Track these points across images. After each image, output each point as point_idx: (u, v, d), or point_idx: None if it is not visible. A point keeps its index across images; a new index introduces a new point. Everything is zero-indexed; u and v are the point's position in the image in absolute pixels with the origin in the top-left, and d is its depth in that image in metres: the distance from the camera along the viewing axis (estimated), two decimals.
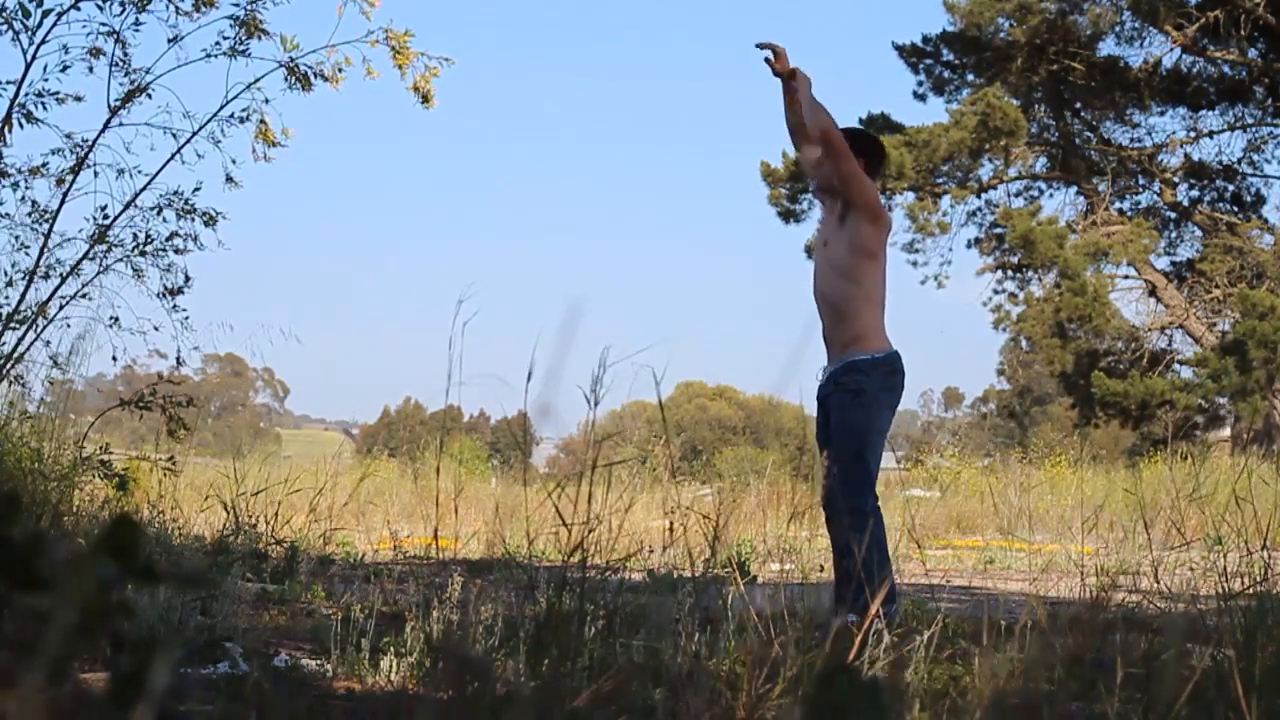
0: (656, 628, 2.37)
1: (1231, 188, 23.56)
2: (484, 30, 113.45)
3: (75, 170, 5.74)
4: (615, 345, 2.24)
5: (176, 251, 5.92)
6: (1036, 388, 43.30)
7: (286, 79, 5.78)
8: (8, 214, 5.78)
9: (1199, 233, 23.43)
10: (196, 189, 5.88)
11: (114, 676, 0.99)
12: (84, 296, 5.81)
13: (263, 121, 5.79)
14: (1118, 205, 23.74)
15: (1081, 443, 15.39)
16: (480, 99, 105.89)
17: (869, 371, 4.14)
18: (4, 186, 5.73)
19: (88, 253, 5.75)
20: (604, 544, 2.40)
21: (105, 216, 5.76)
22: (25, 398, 5.77)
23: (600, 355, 2.23)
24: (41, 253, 5.71)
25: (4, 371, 5.55)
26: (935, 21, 37.56)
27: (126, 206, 5.80)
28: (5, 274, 5.69)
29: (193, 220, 5.91)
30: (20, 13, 5.41)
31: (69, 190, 5.74)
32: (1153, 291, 22.87)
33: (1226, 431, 23.28)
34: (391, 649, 2.81)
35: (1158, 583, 4.07)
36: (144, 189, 5.81)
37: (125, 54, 5.68)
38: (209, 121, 5.76)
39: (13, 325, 5.56)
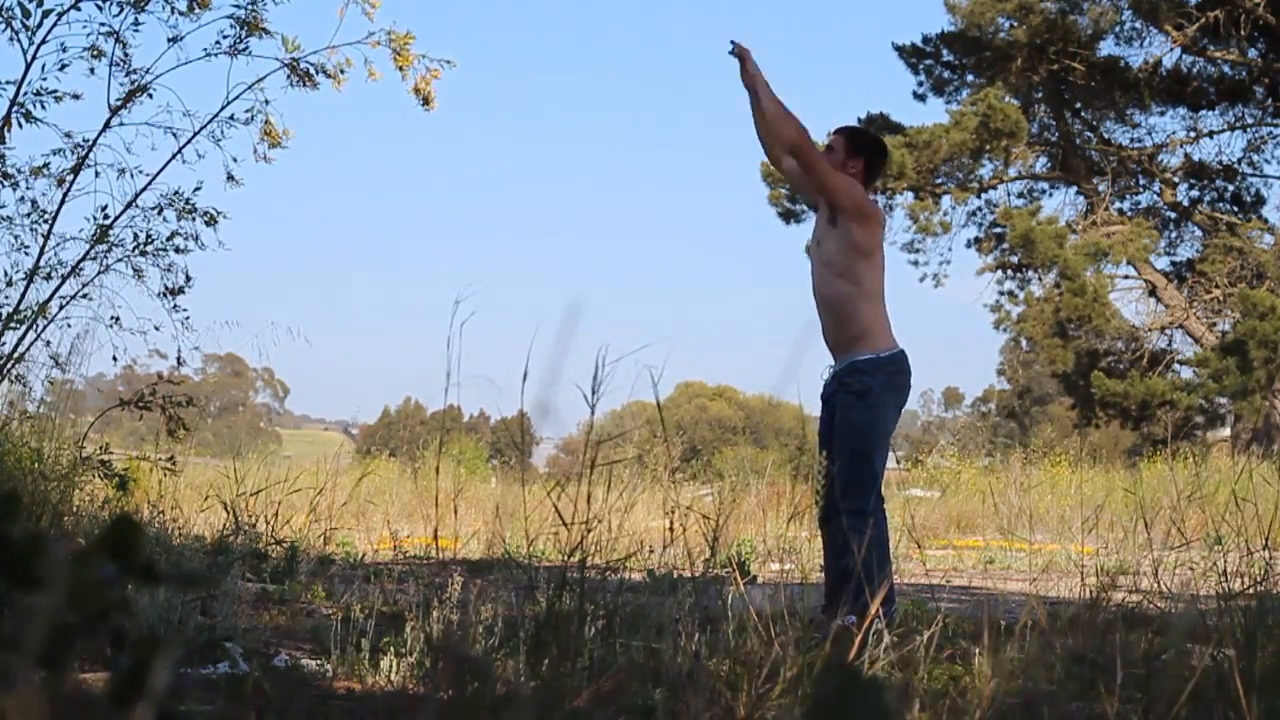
0: (656, 628, 2.37)
1: (1231, 188, 23.57)
2: (484, 31, 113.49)
3: (76, 170, 5.73)
4: (615, 345, 2.24)
5: (177, 251, 5.91)
6: (1037, 388, 43.31)
7: (289, 78, 5.77)
8: (8, 216, 5.78)
9: (1199, 233, 23.43)
10: (197, 189, 5.88)
11: (114, 676, 0.99)
12: (84, 296, 5.80)
13: (267, 121, 5.79)
14: (1118, 205, 23.75)
15: (1082, 442, 15.39)
16: (480, 100, 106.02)
17: (874, 371, 4.11)
18: (4, 187, 5.73)
19: (88, 252, 5.75)
20: (604, 544, 2.40)
21: (106, 216, 5.76)
22: (25, 398, 5.78)
23: (600, 355, 2.23)
24: (41, 253, 5.71)
25: (4, 371, 5.54)
26: (935, 21, 37.49)
27: (127, 206, 5.80)
28: (5, 274, 5.70)
29: (193, 220, 5.90)
30: (20, 12, 5.40)
31: (69, 190, 5.74)
32: (1153, 291, 22.87)
33: (1226, 431, 23.28)
34: (391, 649, 2.80)
35: (1158, 583, 4.07)
36: (145, 189, 5.80)
37: (125, 54, 5.67)
38: (210, 121, 5.76)
39: (13, 325, 5.56)
